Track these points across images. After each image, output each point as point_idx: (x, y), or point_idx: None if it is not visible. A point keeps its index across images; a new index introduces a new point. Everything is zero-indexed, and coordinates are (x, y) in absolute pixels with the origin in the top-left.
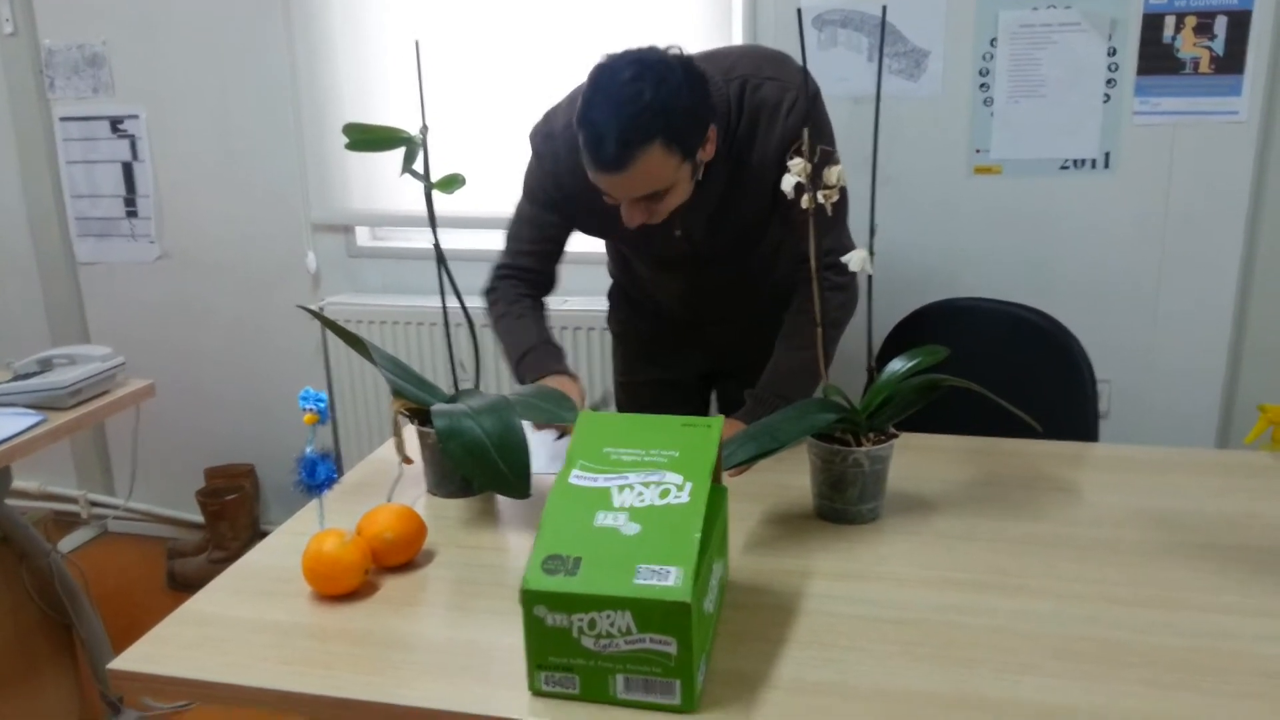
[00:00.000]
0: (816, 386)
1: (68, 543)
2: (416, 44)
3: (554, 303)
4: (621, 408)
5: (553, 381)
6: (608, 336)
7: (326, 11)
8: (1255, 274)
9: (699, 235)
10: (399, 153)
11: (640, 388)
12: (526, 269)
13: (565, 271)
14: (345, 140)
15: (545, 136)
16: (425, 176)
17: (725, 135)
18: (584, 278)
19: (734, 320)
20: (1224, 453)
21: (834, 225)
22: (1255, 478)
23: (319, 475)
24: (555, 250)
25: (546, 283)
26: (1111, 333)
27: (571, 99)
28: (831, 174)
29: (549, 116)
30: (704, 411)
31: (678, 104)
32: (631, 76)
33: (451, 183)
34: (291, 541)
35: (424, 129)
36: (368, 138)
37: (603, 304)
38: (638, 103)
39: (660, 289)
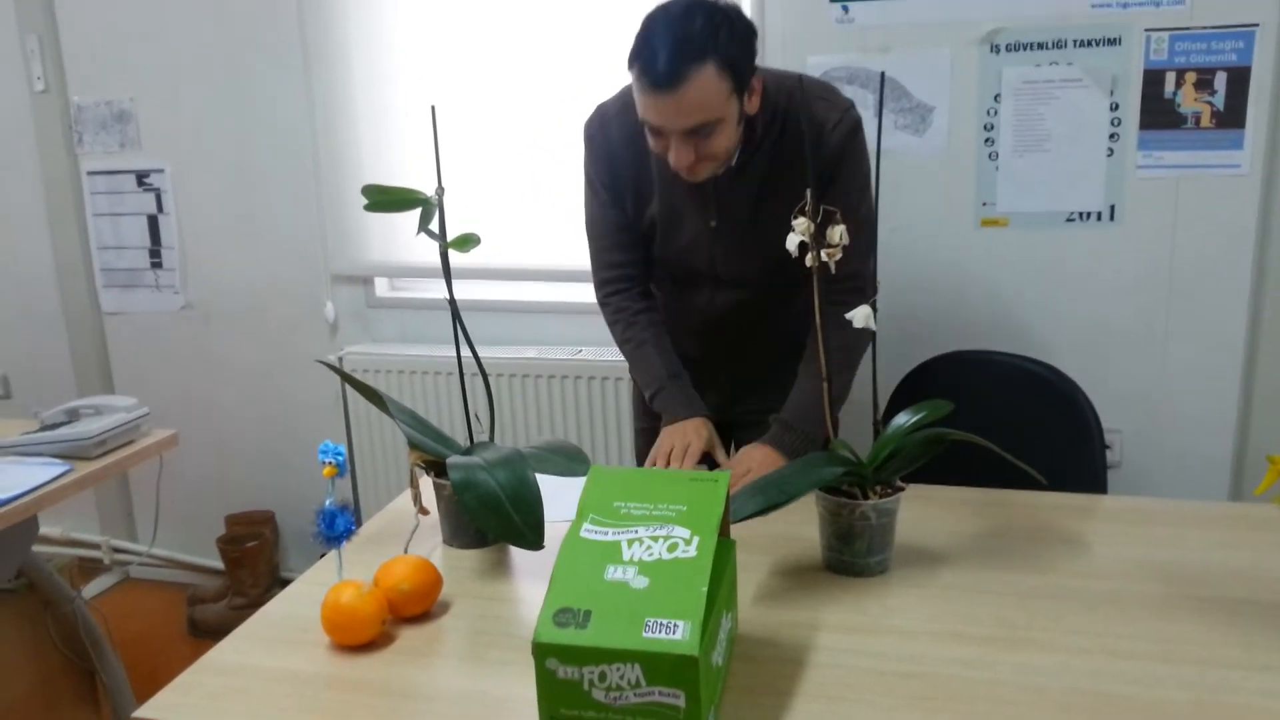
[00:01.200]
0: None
1: (90, 589)
2: (433, 109)
3: (566, 353)
4: (641, 454)
5: (677, 429)
6: (623, 386)
7: (346, 69)
8: (1263, 323)
9: (728, 230)
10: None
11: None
12: (623, 267)
13: (578, 323)
14: (364, 200)
15: (599, 123)
16: (441, 236)
17: (770, 135)
18: (598, 328)
19: (749, 359)
20: (1232, 505)
21: (863, 254)
22: (1263, 531)
23: (338, 527)
24: (639, 238)
25: (646, 272)
26: (1121, 383)
27: (622, 94)
28: (834, 233)
29: (601, 106)
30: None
31: (731, 33)
32: (685, 8)
33: (466, 242)
34: (311, 591)
35: (440, 190)
36: (386, 199)
37: (615, 354)
38: (692, 26)
39: (680, 314)
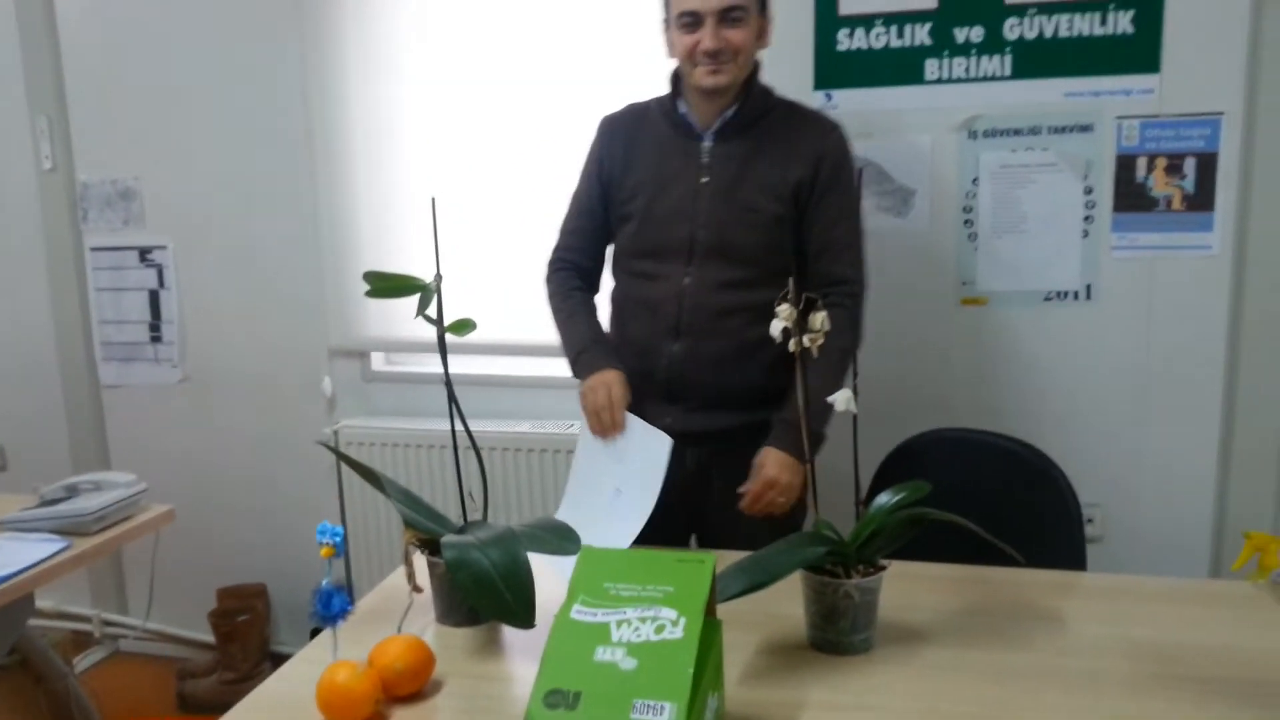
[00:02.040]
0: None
1: (80, 663)
2: (433, 201)
3: (559, 427)
4: None
5: (598, 378)
6: None
7: (348, 148)
8: (1238, 397)
9: (715, 186)
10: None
11: None
12: (575, 251)
13: (571, 397)
14: (366, 287)
15: (614, 112)
16: (439, 321)
17: (767, 118)
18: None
19: (722, 383)
20: (1208, 582)
21: (855, 254)
22: (1237, 608)
23: (334, 607)
24: (598, 229)
25: (593, 273)
26: (1100, 458)
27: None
28: (816, 319)
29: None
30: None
31: None
32: None
33: (463, 326)
34: (305, 670)
35: (438, 277)
36: (387, 285)
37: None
38: None
39: (649, 310)
